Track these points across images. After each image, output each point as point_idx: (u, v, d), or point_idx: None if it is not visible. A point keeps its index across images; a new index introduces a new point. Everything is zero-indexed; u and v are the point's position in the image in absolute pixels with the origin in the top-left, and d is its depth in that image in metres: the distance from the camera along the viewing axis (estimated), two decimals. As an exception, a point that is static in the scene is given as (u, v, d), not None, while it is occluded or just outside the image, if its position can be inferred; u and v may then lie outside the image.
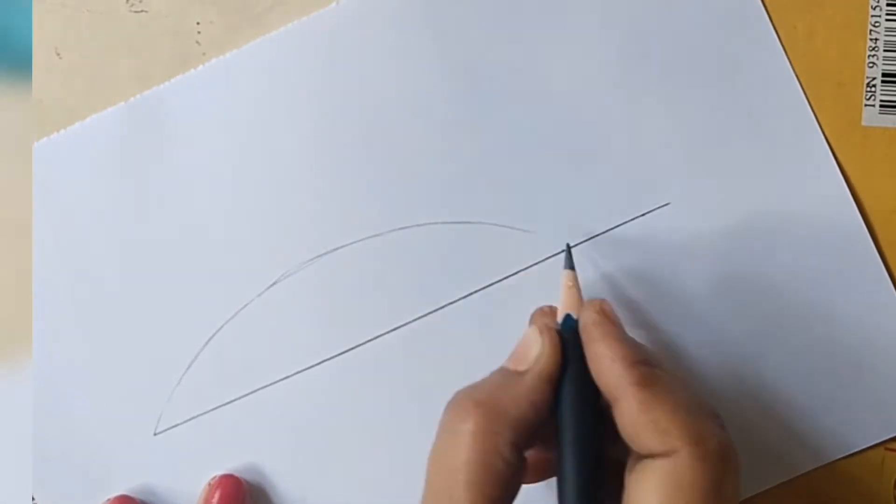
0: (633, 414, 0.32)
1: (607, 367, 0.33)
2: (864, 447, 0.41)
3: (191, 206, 0.41)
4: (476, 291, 0.41)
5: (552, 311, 0.37)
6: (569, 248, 0.39)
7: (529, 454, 0.34)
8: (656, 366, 0.34)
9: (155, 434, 0.42)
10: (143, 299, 0.41)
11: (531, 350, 0.34)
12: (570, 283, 0.37)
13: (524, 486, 0.34)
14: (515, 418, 0.33)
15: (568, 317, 0.36)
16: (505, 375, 0.34)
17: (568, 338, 0.35)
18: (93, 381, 0.42)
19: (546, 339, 0.34)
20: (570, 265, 0.38)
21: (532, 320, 0.37)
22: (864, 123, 0.41)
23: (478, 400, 0.33)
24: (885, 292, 0.41)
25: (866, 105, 0.41)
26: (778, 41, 0.40)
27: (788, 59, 0.41)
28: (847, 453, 0.41)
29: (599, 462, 0.33)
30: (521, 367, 0.34)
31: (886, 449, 0.42)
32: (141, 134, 0.41)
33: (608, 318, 0.35)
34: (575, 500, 0.32)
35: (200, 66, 0.41)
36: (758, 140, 0.41)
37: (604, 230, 0.41)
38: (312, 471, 0.42)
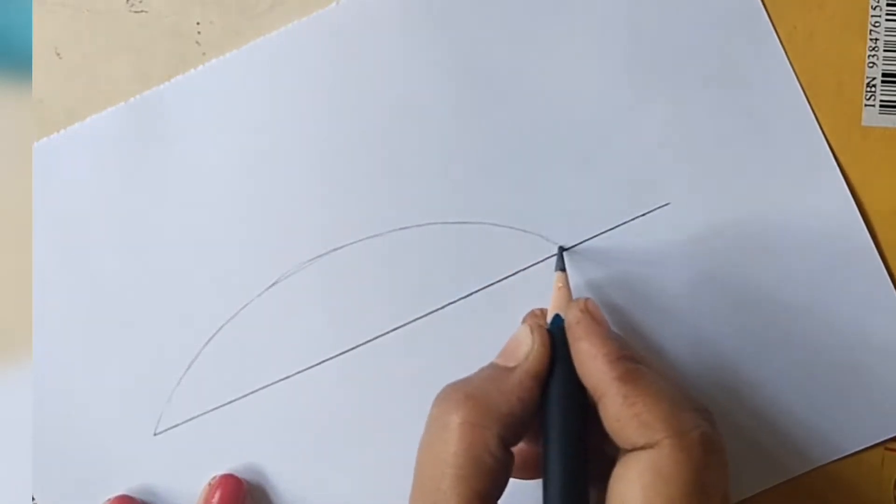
0: (617, 408, 0.32)
1: (591, 364, 0.34)
2: (863, 447, 0.41)
3: (191, 206, 0.41)
4: (476, 291, 0.41)
5: (544, 312, 0.37)
6: (561, 250, 0.40)
7: (520, 450, 0.35)
8: (640, 361, 0.34)
9: (155, 434, 0.42)
10: (143, 299, 0.41)
11: (521, 347, 0.35)
12: (561, 285, 0.38)
13: (511, 482, 0.34)
14: (503, 413, 0.33)
15: (557, 317, 0.36)
16: (494, 371, 0.35)
17: (557, 337, 0.35)
18: (93, 381, 0.42)
19: (536, 337, 0.35)
20: (562, 267, 0.39)
21: (524, 320, 0.38)
22: (864, 123, 0.41)
23: (467, 393, 0.33)
24: (885, 292, 0.41)
25: (866, 105, 0.41)
26: (778, 41, 0.40)
27: (788, 59, 0.41)
28: (847, 454, 0.41)
29: (584, 458, 0.33)
30: (511, 364, 0.35)
31: (886, 449, 0.42)
32: (141, 134, 0.41)
33: (592, 316, 0.35)
34: (559, 495, 0.32)
35: (200, 66, 0.41)
36: (758, 140, 0.41)
37: (603, 230, 0.41)
38: (313, 471, 0.42)
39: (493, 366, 0.35)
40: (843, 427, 0.41)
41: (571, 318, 0.35)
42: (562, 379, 0.34)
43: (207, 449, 0.42)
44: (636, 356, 0.34)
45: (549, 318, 0.36)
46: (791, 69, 0.40)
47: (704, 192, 0.41)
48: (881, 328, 0.41)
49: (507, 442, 0.33)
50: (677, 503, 0.31)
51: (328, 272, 0.41)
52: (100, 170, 0.41)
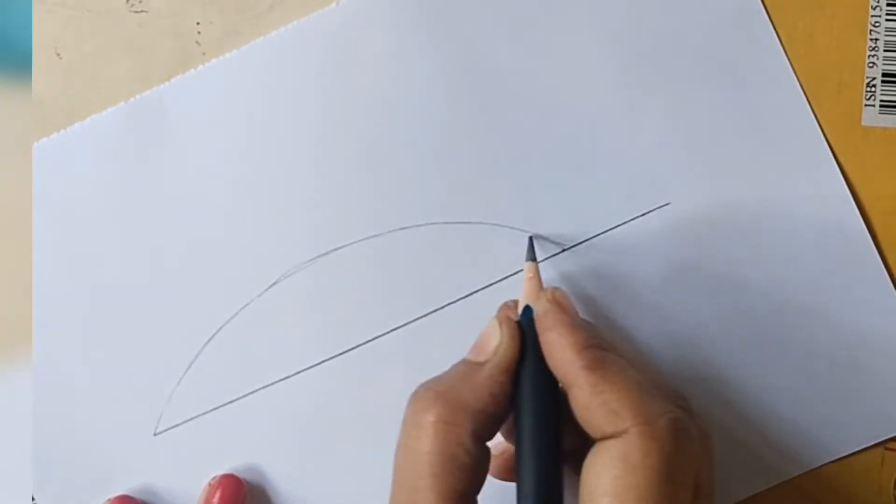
0: (585, 397, 0.32)
1: (559, 355, 0.33)
2: (864, 447, 0.41)
3: (191, 206, 0.41)
4: (476, 291, 0.41)
5: (516, 304, 0.37)
6: (531, 239, 0.39)
7: (499, 449, 0.34)
8: (610, 349, 0.34)
9: (155, 434, 0.42)
10: (143, 299, 0.41)
11: (490, 341, 0.35)
12: (531, 275, 0.37)
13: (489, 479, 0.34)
14: (476, 409, 0.33)
15: (528, 308, 0.36)
16: (465, 367, 0.35)
17: (528, 329, 0.35)
18: (93, 381, 0.42)
19: (504, 330, 0.35)
20: (532, 256, 0.38)
21: (497, 313, 0.37)
22: (864, 123, 0.41)
23: (438, 392, 0.33)
24: (885, 292, 0.41)
25: (866, 105, 0.41)
26: (778, 41, 0.40)
27: (788, 59, 0.41)
28: (847, 453, 0.41)
29: (557, 449, 0.33)
30: (481, 359, 0.34)
31: (886, 449, 0.42)
32: (141, 134, 0.41)
33: (560, 306, 0.35)
34: (533, 487, 0.32)
35: (200, 66, 0.41)
36: (758, 140, 0.41)
37: (603, 230, 0.41)
38: (313, 471, 0.42)
39: (464, 362, 0.35)
40: (844, 426, 0.41)
41: (539, 310, 0.35)
42: (532, 371, 0.34)
43: (207, 449, 0.42)
44: (606, 344, 0.34)
45: (520, 310, 0.36)
46: (791, 69, 0.40)
47: (704, 192, 0.41)
48: (881, 328, 0.41)
49: (481, 437, 0.33)
50: (645, 492, 0.31)
51: (328, 272, 0.41)
52: (100, 170, 0.41)
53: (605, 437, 0.32)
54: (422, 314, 0.41)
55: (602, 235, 0.41)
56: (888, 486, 0.42)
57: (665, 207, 0.41)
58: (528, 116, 0.41)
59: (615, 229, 0.41)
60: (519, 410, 0.34)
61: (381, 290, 0.41)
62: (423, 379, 0.40)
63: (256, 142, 0.41)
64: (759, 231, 0.41)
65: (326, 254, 0.41)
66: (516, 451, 0.33)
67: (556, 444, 0.33)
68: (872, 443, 0.41)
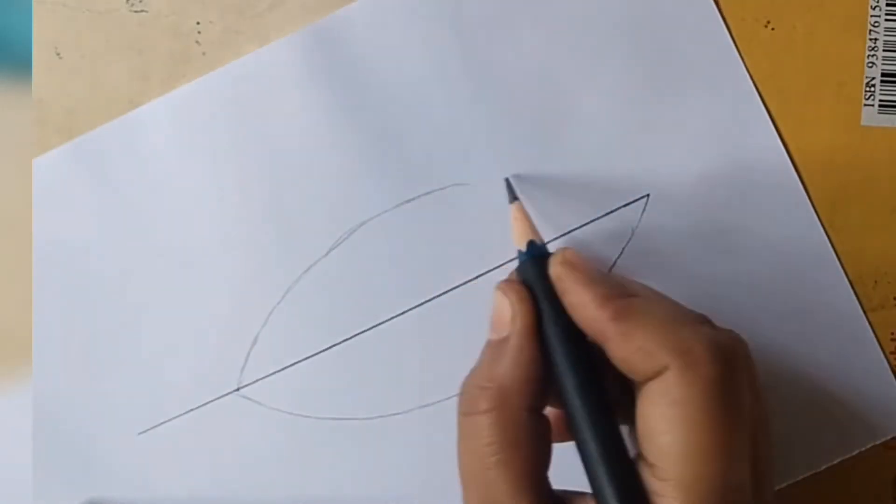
0: (620, 349, 0.32)
1: (584, 314, 0.33)
2: (860, 449, 0.41)
3: (192, 210, 0.41)
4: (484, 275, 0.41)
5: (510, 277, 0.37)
6: (508, 181, 0.39)
7: (553, 414, 0.34)
8: (631, 294, 0.33)
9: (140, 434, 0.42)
10: (143, 306, 0.41)
11: (504, 313, 0.34)
12: (517, 216, 0.37)
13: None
14: (519, 383, 0.33)
15: (524, 252, 0.35)
16: (492, 348, 0.34)
17: (533, 281, 0.35)
18: (90, 387, 0.41)
19: (512, 296, 0.34)
20: (514, 197, 0.38)
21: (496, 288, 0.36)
22: (863, 123, 0.41)
23: (475, 382, 0.33)
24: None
25: (866, 105, 0.41)
26: (731, 41, 0.40)
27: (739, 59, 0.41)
28: (846, 456, 0.41)
29: (603, 394, 0.33)
30: (504, 333, 0.34)
31: (886, 447, 0.42)
32: (134, 149, 0.41)
33: (572, 265, 0.34)
34: (592, 437, 0.32)
35: (202, 76, 0.40)
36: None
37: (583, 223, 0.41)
38: (304, 467, 0.42)
39: (489, 344, 0.35)
40: (843, 428, 0.41)
41: (553, 275, 0.34)
42: (554, 320, 0.34)
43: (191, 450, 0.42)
44: (627, 289, 0.34)
45: (517, 252, 0.36)
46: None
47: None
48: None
49: (535, 410, 0.33)
50: (700, 425, 0.30)
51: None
52: (99, 182, 0.41)
53: (648, 380, 0.32)
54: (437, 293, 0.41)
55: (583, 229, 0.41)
56: (888, 486, 0.42)
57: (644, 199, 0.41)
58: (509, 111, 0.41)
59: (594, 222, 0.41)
60: (556, 367, 0.33)
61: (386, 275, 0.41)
62: (435, 359, 0.40)
63: (258, 141, 0.41)
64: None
65: (321, 260, 0.41)
66: (565, 409, 0.33)
67: (601, 391, 0.33)
68: (869, 445, 0.41)
